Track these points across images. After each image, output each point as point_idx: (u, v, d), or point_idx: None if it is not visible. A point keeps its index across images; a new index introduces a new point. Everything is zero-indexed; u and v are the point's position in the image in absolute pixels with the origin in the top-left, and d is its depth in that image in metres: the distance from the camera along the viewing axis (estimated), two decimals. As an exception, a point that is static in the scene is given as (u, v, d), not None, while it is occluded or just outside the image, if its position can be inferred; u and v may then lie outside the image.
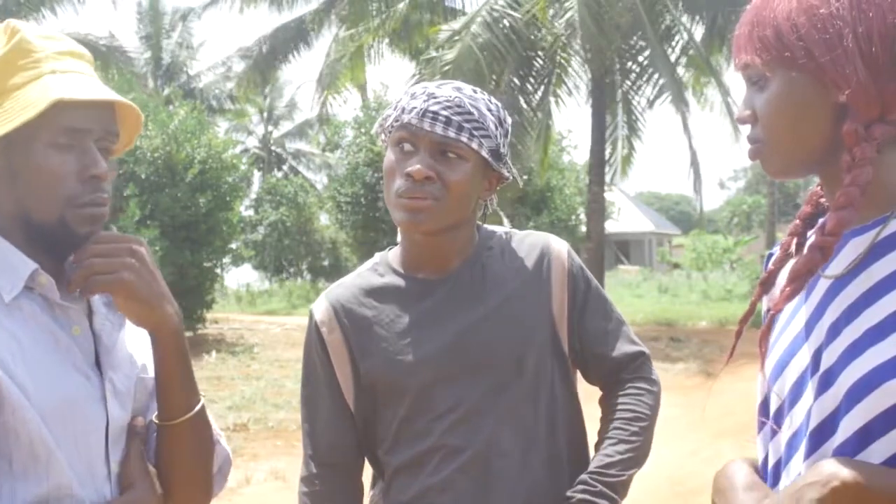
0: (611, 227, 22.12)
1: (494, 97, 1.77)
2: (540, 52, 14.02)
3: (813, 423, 1.05)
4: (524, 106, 14.28)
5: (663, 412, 1.73)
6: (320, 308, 1.71)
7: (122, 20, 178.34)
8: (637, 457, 1.62)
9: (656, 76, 14.58)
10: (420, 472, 1.62)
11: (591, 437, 1.73)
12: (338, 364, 1.68)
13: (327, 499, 1.69)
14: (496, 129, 1.63)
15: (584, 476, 1.60)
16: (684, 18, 15.65)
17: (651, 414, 1.67)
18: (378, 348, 1.65)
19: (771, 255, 1.26)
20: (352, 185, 23.10)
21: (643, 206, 51.51)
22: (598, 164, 15.27)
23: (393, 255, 1.74)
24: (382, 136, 1.69)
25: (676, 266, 35.22)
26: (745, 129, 1.15)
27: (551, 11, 13.32)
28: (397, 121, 1.62)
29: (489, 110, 1.63)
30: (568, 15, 12.88)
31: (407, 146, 1.60)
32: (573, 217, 23.12)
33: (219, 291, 18.51)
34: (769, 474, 1.15)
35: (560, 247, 1.73)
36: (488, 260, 1.69)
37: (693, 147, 14.67)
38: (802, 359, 1.07)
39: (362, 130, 23.67)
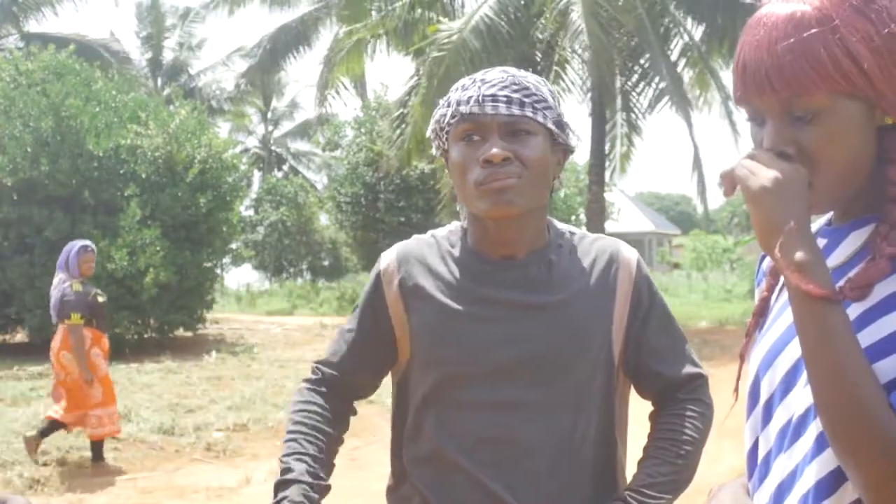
0: (611, 227, 22.11)
1: None
2: (538, 52, 14.02)
3: (800, 413, 1.05)
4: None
5: (652, 405, 1.71)
6: (388, 258, 1.70)
7: (123, 20, 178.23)
8: (679, 481, 1.58)
9: (657, 79, 14.59)
10: (446, 455, 1.59)
11: (635, 451, 1.67)
12: (394, 314, 1.67)
13: (316, 408, 1.70)
14: (553, 99, 1.61)
15: (622, 493, 1.56)
16: (681, 17, 15.65)
17: (700, 438, 1.62)
18: (430, 317, 1.63)
19: (764, 256, 1.25)
20: (352, 185, 23.11)
21: (643, 206, 51.50)
22: (597, 163, 15.27)
23: (464, 228, 1.70)
24: (437, 143, 1.65)
25: (676, 266, 35.22)
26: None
27: (555, 11, 13.31)
28: (455, 115, 1.57)
29: (540, 83, 1.61)
30: (572, 17, 12.88)
31: (475, 136, 1.56)
32: (573, 217, 23.13)
33: (219, 291, 18.51)
34: (759, 465, 1.14)
35: (630, 255, 1.68)
36: (557, 257, 1.64)
37: (697, 146, 14.67)
38: (796, 348, 1.07)
39: (362, 130, 23.68)
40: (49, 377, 10.43)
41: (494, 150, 1.51)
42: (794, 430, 1.06)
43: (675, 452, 1.58)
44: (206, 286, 14.32)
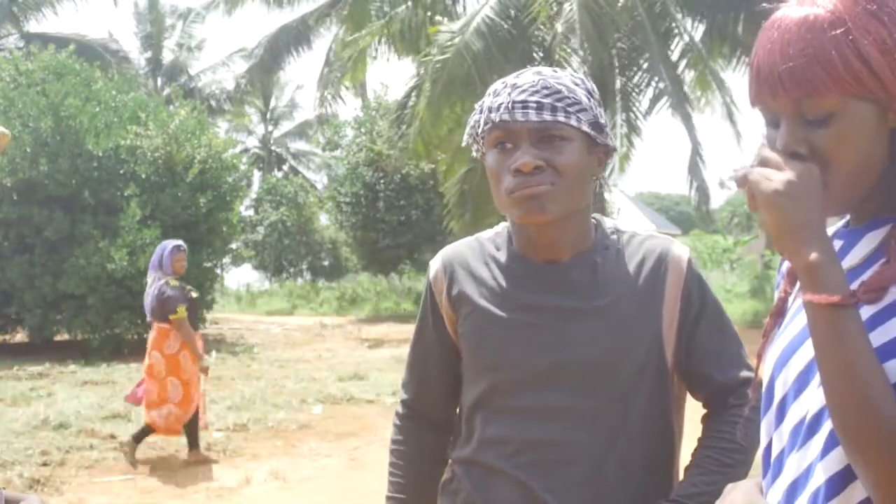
0: (611, 227, 22.06)
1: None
2: (540, 52, 14.02)
3: (813, 412, 1.05)
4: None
5: (703, 408, 1.69)
6: (434, 266, 1.70)
7: (123, 20, 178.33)
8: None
9: (656, 79, 14.58)
10: (490, 456, 1.60)
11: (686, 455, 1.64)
12: (449, 322, 1.67)
13: (411, 451, 1.74)
14: (589, 100, 1.56)
15: (663, 502, 1.54)
16: (683, 18, 15.65)
17: (752, 446, 1.53)
18: (475, 324, 1.62)
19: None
20: (352, 185, 23.10)
21: (643, 206, 51.50)
22: (598, 164, 15.24)
23: (510, 231, 1.68)
24: (475, 147, 1.63)
25: (676, 266, 35.16)
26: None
27: (552, 11, 13.31)
28: (487, 122, 1.55)
29: (576, 84, 1.56)
30: (567, 15, 12.88)
31: (507, 144, 1.53)
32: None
33: (219, 291, 18.52)
34: (772, 464, 1.15)
35: (681, 253, 1.62)
36: (602, 259, 1.60)
37: (695, 146, 14.66)
38: (810, 348, 1.07)
39: (362, 130, 23.67)
40: (49, 377, 10.46)
41: (524, 160, 1.49)
42: (807, 429, 1.06)
43: (722, 461, 1.55)
44: (206, 286, 14.33)
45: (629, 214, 42.04)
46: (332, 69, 17.47)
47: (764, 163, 1.06)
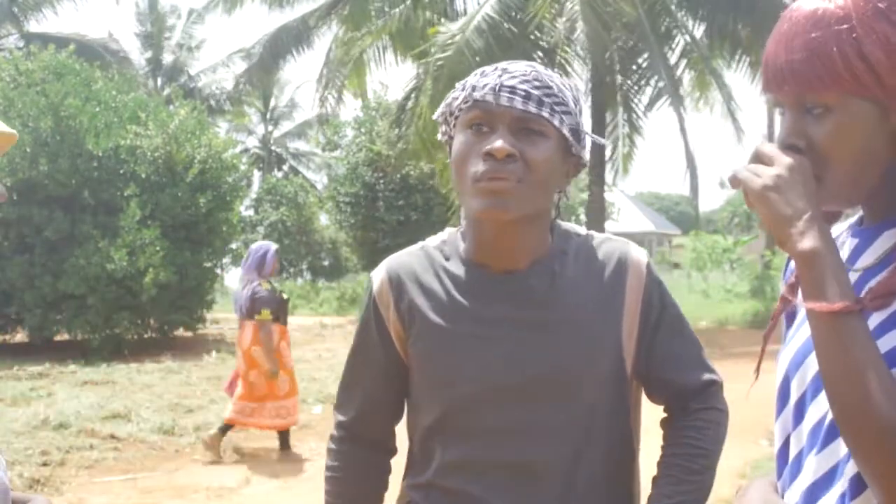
0: (611, 227, 22.12)
1: None
2: (540, 52, 14.02)
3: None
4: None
5: (664, 412, 1.67)
6: (379, 278, 1.59)
7: (123, 20, 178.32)
8: (697, 497, 1.50)
9: (655, 78, 14.59)
10: (454, 480, 1.52)
11: (646, 459, 1.61)
12: (397, 339, 1.57)
13: (350, 476, 1.64)
14: (575, 105, 1.50)
15: None
16: (684, 18, 15.65)
17: (717, 449, 1.54)
18: (428, 342, 1.53)
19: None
20: (352, 185, 23.09)
21: (643, 206, 51.52)
22: (598, 163, 15.27)
23: (460, 237, 1.58)
24: (444, 128, 1.54)
25: (676, 266, 35.20)
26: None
27: (553, 11, 13.30)
28: (468, 101, 1.47)
29: (565, 87, 1.50)
30: (570, 11, 12.87)
31: (484, 127, 1.45)
32: (573, 217, 23.13)
33: (219, 291, 18.50)
34: (790, 464, 1.14)
35: (640, 257, 1.57)
36: (561, 266, 1.53)
37: (690, 149, 14.67)
38: None
39: (362, 130, 23.67)
40: (49, 377, 10.46)
41: (498, 144, 1.41)
42: (829, 430, 1.05)
43: (690, 468, 1.50)
44: (206, 286, 14.33)
45: (629, 214, 42.05)
46: (332, 69, 17.45)
47: (758, 158, 1.06)
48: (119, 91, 14.05)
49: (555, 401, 1.49)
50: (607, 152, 15.52)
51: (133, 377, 10.18)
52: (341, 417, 1.66)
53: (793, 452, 1.13)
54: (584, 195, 19.47)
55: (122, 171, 13.08)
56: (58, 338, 13.54)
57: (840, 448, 1.04)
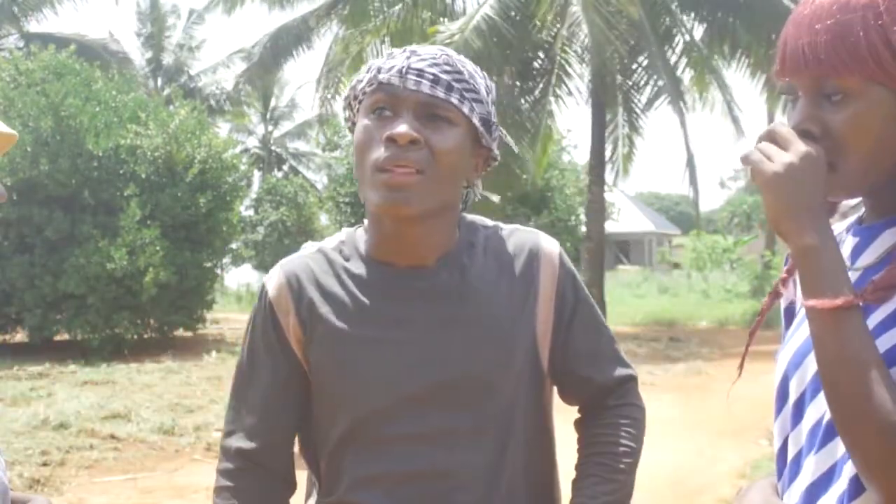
0: (611, 227, 22.14)
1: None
2: (540, 53, 14.02)
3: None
4: (524, 105, 14.28)
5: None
6: (275, 282, 1.45)
7: (123, 20, 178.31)
8: (622, 497, 1.43)
9: (655, 77, 14.59)
10: (367, 496, 1.40)
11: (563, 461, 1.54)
12: (297, 348, 1.43)
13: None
14: (486, 94, 1.40)
15: None
16: (685, 19, 15.66)
17: (638, 447, 1.47)
18: (331, 348, 1.41)
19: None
20: (352, 185, 23.10)
21: (643, 206, 51.51)
22: (598, 163, 15.27)
23: (360, 235, 1.47)
24: (348, 113, 1.43)
25: (676, 266, 35.22)
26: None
27: (554, 10, 13.30)
28: (372, 83, 1.36)
29: (477, 73, 1.40)
30: (572, 14, 12.87)
31: (387, 112, 1.34)
32: (573, 217, 23.13)
33: (219, 291, 18.52)
34: (789, 464, 1.13)
35: (551, 248, 1.48)
36: (470, 260, 1.43)
37: (690, 149, 14.67)
38: None
39: (362, 130, 23.69)
40: (49, 377, 10.45)
41: (401, 129, 1.30)
42: (827, 429, 1.05)
43: (615, 467, 1.43)
44: (206, 286, 14.33)
45: (629, 214, 42.05)
46: (331, 69, 17.45)
47: (772, 137, 1.05)
48: (119, 91, 14.05)
49: (470, 404, 1.39)
50: (607, 152, 15.52)
51: (133, 377, 10.19)
52: (237, 444, 1.44)
53: (791, 453, 1.13)
54: (580, 198, 19.51)
55: (122, 171, 13.08)
56: (58, 338, 13.54)
57: (838, 448, 1.03)
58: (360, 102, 1.39)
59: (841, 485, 1.03)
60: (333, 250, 1.47)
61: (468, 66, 1.39)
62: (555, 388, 1.53)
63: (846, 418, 0.97)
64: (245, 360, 1.48)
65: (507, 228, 1.51)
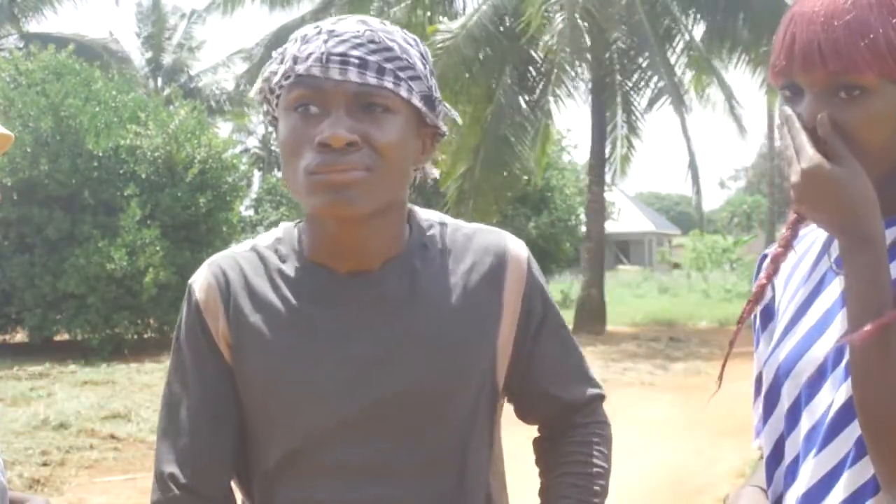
0: (611, 227, 22.13)
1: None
2: (540, 53, 14.02)
3: (832, 415, 1.04)
4: (523, 105, 14.28)
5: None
6: (202, 283, 1.28)
7: (123, 20, 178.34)
8: None
9: (655, 78, 14.59)
10: None
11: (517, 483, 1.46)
12: (227, 354, 1.26)
13: None
14: (423, 66, 1.21)
15: None
16: (685, 18, 15.66)
17: (609, 467, 1.34)
18: (261, 363, 1.23)
19: (765, 255, 1.22)
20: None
21: (643, 206, 51.52)
22: (598, 163, 15.27)
23: (299, 233, 1.30)
24: (266, 107, 1.26)
25: (676, 266, 35.23)
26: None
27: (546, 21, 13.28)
28: (289, 76, 1.17)
29: (409, 44, 1.20)
30: (559, 28, 12.84)
31: (313, 108, 1.16)
32: (573, 217, 23.14)
33: (219, 291, 18.49)
34: (784, 470, 1.13)
35: (519, 252, 1.30)
36: (422, 263, 1.26)
37: (691, 149, 14.68)
38: (820, 351, 1.06)
39: (362, 130, 23.70)
40: (49, 377, 10.45)
41: (335, 132, 1.13)
42: (827, 432, 1.04)
43: (590, 489, 1.29)
44: (206, 286, 14.31)
45: (629, 214, 42.05)
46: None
47: (809, 168, 1.03)
48: (119, 91, 14.05)
49: (419, 430, 1.23)
50: (607, 153, 15.52)
51: (133, 377, 10.18)
52: (168, 471, 1.26)
53: (787, 459, 1.12)
54: (580, 198, 19.51)
55: (122, 171, 13.08)
56: (58, 338, 13.53)
57: (840, 450, 1.03)
58: (277, 97, 1.22)
59: (849, 487, 1.02)
60: (268, 249, 1.29)
61: (398, 38, 1.20)
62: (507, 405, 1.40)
63: (886, 434, 0.95)
64: (172, 374, 1.29)
65: (468, 227, 1.32)
